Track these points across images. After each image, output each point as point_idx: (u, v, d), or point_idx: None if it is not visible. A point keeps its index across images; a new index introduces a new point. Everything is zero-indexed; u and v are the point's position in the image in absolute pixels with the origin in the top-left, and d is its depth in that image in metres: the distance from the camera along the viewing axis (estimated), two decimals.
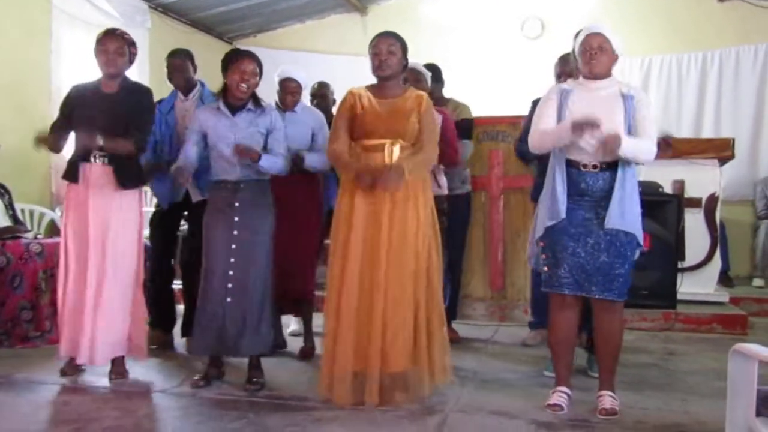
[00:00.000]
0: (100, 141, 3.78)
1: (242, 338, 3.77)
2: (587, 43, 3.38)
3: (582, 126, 3.23)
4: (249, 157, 3.69)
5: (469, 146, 5.12)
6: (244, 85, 3.79)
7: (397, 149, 3.53)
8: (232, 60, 3.82)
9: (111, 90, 3.95)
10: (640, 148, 3.32)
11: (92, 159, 3.90)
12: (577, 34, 3.53)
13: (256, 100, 3.88)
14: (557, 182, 3.39)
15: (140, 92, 4.06)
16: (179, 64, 4.74)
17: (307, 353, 4.49)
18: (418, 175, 3.57)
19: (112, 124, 3.86)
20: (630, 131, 3.34)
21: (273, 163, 3.80)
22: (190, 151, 3.92)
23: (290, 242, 4.22)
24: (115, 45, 3.91)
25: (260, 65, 3.86)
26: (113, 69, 3.93)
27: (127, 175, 3.93)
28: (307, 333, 4.60)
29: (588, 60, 3.38)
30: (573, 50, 3.60)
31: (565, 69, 4.23)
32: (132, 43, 4.01)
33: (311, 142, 4.47)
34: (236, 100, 3.84)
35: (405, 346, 3.49)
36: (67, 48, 6.39)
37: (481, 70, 8.29)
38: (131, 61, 4.03)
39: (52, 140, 3.96)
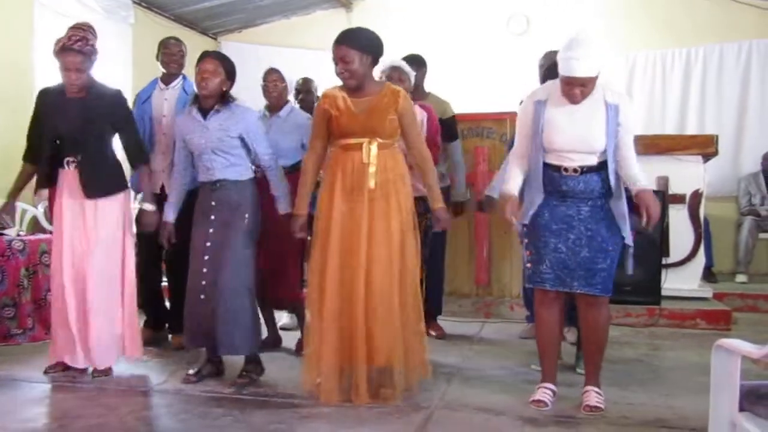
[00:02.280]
0: (150, 207, 4.04)
1: (218, 336, 3.76)
2: (570, 84, 3.25)
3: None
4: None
5: (458, 146, 5.11)
6: (203, 83, 3.78)
7: (374, 147, 3.52)
8: (197, 62, 3.84)
9: (79, 95, 3.89)
10: (640, 170, 3.37)
11: (65, 165, 3.89)
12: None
13: (224, 100, 3.84)
14: (534, 186, 3.41)
15: (112, 98, 3.99)
16: (178, 50, 4.75)
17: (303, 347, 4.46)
18: (396, 172, 3.59)
19: (81, 128, 3.84)
20: (611, 142, 3.32)
21: (282, 186, 3.94)
22: (182, 164, 3.97)
23: (275, 244, 4.21)
24: (74, 64, 3.81)
25: (226, 66, 3.83)
26: (74, 87, 3.86)
27: (95, 184, 3.91)
28: (302, 327, 4.58)
29: (572, 96, 3.28)
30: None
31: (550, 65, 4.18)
32: (92, 52, 3.87)
33: (301, 148, 4.40)
34: (203, 100, 3.84)
35: (389, 340, 3.48)
36: (49, 43, 6.30)
37: (466, 66, 8.28)
38: (92, 66, 3.92)
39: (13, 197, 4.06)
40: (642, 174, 3.35)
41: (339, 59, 3.51)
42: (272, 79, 4.48)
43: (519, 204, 3.44)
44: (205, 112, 3.84)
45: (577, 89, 3.25)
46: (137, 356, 4.12)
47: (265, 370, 3.97)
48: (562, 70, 3.24)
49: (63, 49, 3.81)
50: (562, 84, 3.29)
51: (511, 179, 3.48)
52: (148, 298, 4.76)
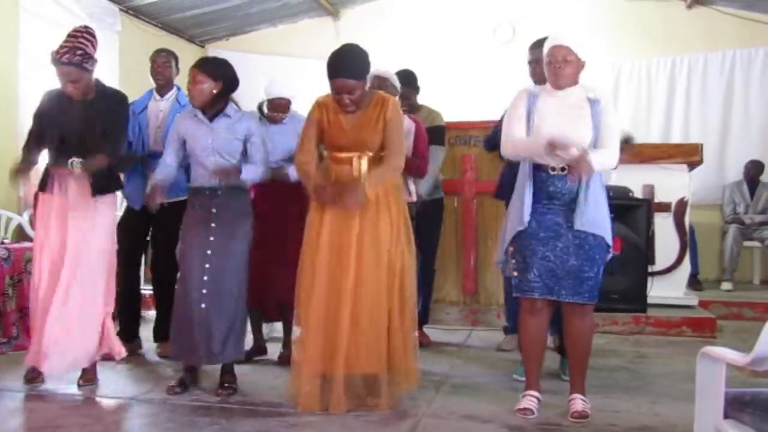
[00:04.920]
0: (78, 168, 3.77)
1: (216, 344, 3.74)
2: (552, 55, 3.38)
3: (554, 147, 3.26)
4: (229, 177, 3.70)
5: (440, 152, 5.12)
6: (189, 96, 3.82)
7: (364, 162, 3.53)
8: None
9: (83, 96, 3.88)
10: (605, 161, 3.36)
11: (70, 166, 3.87)
12: (543, 41, 3.53)
13: (225, 102, 3.84)
14: (525, 189, 3.42)
15: (113, 99, 4.00)
16: (163, 62, 4.74)
17: (285, 359, 4.45)
18: (390, 181, 3.58)
19: (86, 129, 3.82)
20: (596, 135, 3.37)
21: (254, 174, 3.81)
22: (169, 158, 3.92)
23: (274, 248, 4.22)
24: (67, 76, 3.80)
25: (207, 70, 3.78)
26: (72, 91, 3.85)
27: (101, 183, 3.89)
28: (286, 339, 4.58)
29: (554, 72, 3.38)
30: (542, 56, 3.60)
31: (538, 56, 4.12)
32: (86, 60, 3.81)
33: None
34: (207, 107, 3.82)
35: (376, 348, 3.48)
36: (35, 51, 6.30)
37: (453, 75, 8.32)
38: (92, 72, 3.89)
39: (23, 168, 3.91)
40: (606, 157, 3.35)
41: (344, 92, 3.48)
42: (281, 107, 4.50)
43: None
44: (210, 116, 3.83)
45: (559, 60, 3.33)
46: (121, 356, 4.10)
47: (247, 378, 3.96)
48: (548, 44, 3.38)
49: (54, 62, 3.81)
50: (547, 65, 3.38)
51: (522, 134, 3.45)
52: (124, 307, 4.72)
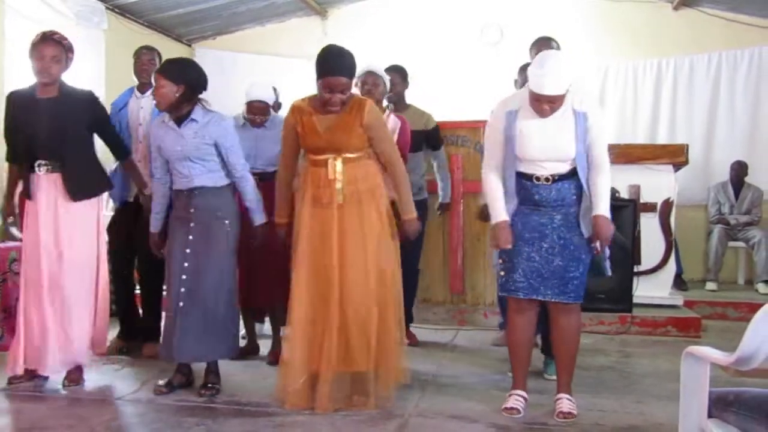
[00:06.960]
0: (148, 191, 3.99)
1: (193, 343, 3.73)
2: (539, 101, 3.27)
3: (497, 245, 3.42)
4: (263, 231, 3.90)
5: (443, 155, 5.27)
6: (156, 101, 3.79)
7: (339, 163, 3.54)
8: None
9: (50, 95, 3.86)
10: (608, 190, 3.37)
11: (36, 169, 3.85)
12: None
13: (191, 105, 3.78)
14: (507, 194, 3.45)
15: (86, 99, 4.00)
16: (148, 59, 4.73)
17: (275, 359, 4.44)
18: (368, 183, 3.60)
19: (53, 129, 3.81)
20: (582, 148, 3.35)
21: (256, 197, 3.90)
22: (158, 173, 3.91)
23: (266, 252, 4.22)
24: (51, 52, 3.80)
25: (168, 74, 3.71)
26: (47, 78, 3.83)
27: (79, 186, 3.89)
28: (275, 338, 4.58)
29: (539, 111, 3.31)
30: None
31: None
32: (70, 48, 3.90)
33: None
34: (173, 111, 3.78)
35: (365, 347, 3.49)
36: (20, 48, 6.26)
37: (441, 76, 8.31)
38: (67, 66, 3.92)
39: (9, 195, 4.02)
40: (605, 196, 3.36)
41: (338, 90, 3.49)
42: (257, 109, 4.45)
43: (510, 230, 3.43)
44: (178, 121, 3.78)
45: (545, 105, 3.28)
46: (101, 354, 4.14)
47: (236, 377, 3.96)
48: (533, 86, 3.27)
49: (43, 38, 3.80)
50: (532, 99, 3.31)
51: (497, 201, 3.47)
52: (121, 308, 4.70)
